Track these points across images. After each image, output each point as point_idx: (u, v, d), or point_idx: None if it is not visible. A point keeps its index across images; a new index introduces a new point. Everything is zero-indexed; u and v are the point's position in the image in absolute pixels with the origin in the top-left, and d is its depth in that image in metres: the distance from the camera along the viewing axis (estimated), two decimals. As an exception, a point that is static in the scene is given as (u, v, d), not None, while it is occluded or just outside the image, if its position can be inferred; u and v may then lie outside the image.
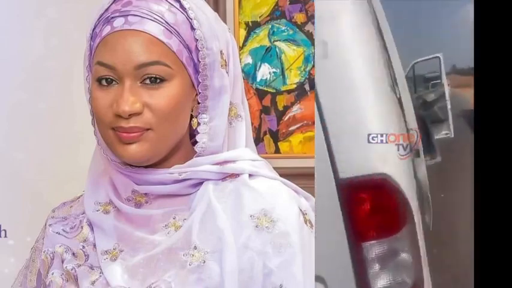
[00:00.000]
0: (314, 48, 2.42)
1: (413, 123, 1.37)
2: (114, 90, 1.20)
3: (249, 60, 2.57)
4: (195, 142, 1.26)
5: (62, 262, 1.27)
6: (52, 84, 2.35)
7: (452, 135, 1.37)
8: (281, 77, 2.57)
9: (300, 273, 1.19)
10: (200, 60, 1.23)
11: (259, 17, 2.57)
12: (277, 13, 2.56)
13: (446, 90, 1.36)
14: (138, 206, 1.25)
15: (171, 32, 1.20)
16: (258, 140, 2.54)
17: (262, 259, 1.19)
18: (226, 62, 1.26)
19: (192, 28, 1.22)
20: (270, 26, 2.57)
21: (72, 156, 2.23)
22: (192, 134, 1.27)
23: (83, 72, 1.26)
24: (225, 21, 1.64)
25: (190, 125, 1.25)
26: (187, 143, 1.28)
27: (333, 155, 1.32)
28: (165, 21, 1.20)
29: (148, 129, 1.20)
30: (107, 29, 1.21)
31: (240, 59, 2.27)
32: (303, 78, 2.56)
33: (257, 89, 2.57)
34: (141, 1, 1.21)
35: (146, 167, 1.24)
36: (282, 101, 2.57)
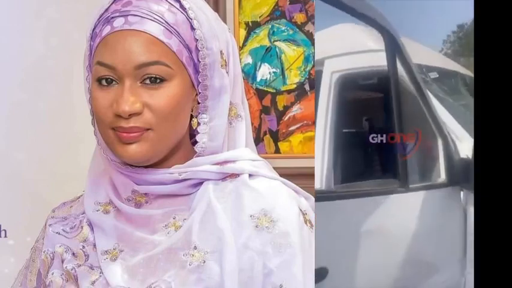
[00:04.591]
0: (314, 48, 2.42)
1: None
2: (114, 90, 1.20)
3: (249, 60, 2.57)
4: (195, 142, 1.26)
5: (62, 262, 1.27)
6: (52, 84, 2.36)
7: None
8: (281, 77, 2.57)
9: (300, 273, 1.19)
10: (200, 60, 1.23)
11: (259, 17, 2.57)
12: (277, 13, 2.56)
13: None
14: (138, 206, 1.25)
15: (171, 32, 1.20)
16: (258, 140, 2.54)
17: (262, 259, 1.19)
18: (226, 62, 1.26)
19: (192, 28, 1.22)
20: (270, 26, 2.56)
21: (72, 156, 2.24)
22: (192, 134, 1.27)
23: (83, 72, 1.26)
24: (225, 21, 1.64)
25: (190, 125, 1.26)
26: (187, 143, 1.28)
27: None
28: (165, 21, 1.20)
29: (148, 129, 1.20)
30: (107, 29, 1.20)
31: (240, 59, 2.27)
32: (303, 78, 2.56)
33: (257, 89, 2.57)
34: (141, 1, 1.21)
35: (146, 167, 1.24)
36: (282, 101, 2.57)
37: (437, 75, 1.35)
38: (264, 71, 2.57)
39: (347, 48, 1.25)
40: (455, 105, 1.32)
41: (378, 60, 1.24)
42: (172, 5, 1.22)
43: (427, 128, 1.28)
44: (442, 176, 1.26)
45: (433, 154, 1.25)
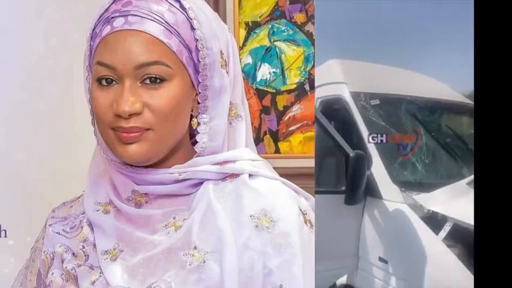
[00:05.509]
0: (314, 48, 2.42)
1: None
2: (114, 90, 1.20)
3: (249, 60, 2.57)
4: (195, 142, 1.26)
5: (62, 262, 1.27)
6: (52, 84, 2.36)
7: None
8: (281, 77, 2.57)
9: (300, 273, 1.19)
10: (200, 60, 1.23)
11: (259, 17, 2.57)
12: (277, 13, 2.56)
13: None
14: (138, 206, 1.25)
15: (171, 32, 1.20)
16: (258, 140, 2.54)
17: (262, 259, 1.19)
18: (226, 62, 1.26)
19: (192, 28, 1.22)
20: (270, 26, 2.57)
21: (72, 156, 2.24)
22: (192, 134, 1.27)
23: (83, 72, 1.27)
24: (225, 21, 1.64)
25: (190, 125, 1.26)
26: (187, 143, 1.28)
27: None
28: (165, 21, 1.20)
29: (148, 129, 1.20)
30: (107, 29, 1.21)
31: (240, 59, 2.27)
32: (303, 78, 2.56)
33: (257, 89, 2.57)
34: (141, 1, 1.21)
35: (146, 167, 1.24)
36: (282, 101, 2.57)
37: (378, 102, 1.48)
38: (264, 71, 2.57)
39: (327, 79, 1.45)
40: (386, 128, 1.46)
41: (337, 90, 1.47)
42: (172, 5, 1.22)
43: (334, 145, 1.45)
44: (342, 184, 1.42)
45: (339, 166, 1.42)
